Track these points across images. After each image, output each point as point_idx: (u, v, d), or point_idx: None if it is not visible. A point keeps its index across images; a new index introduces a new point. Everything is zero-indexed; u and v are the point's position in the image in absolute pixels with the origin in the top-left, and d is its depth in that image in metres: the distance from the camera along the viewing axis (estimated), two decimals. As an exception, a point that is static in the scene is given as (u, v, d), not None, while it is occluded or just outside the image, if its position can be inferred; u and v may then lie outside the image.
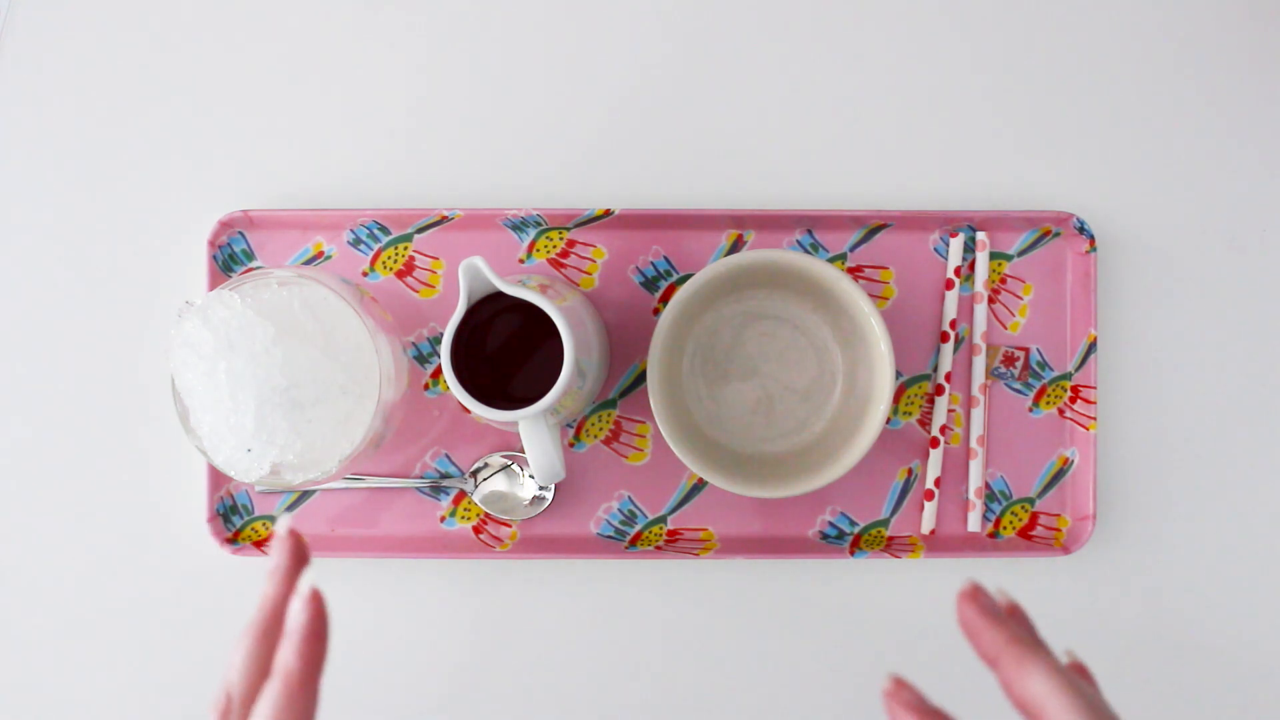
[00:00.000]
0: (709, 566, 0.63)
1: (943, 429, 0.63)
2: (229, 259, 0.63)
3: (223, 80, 0.65)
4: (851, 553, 0.62)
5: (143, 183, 0.65)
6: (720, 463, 0.58)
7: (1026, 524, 0.63)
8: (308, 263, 0.64)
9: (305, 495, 0.64)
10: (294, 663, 0.37)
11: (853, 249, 0.63)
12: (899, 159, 0.64)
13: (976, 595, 0.38)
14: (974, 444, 0.63)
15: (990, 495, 0.63)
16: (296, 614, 0.38)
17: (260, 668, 0.38)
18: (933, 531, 0.63)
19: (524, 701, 0.64)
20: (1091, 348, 0.62)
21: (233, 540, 0.63)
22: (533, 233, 0.63)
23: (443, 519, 0.63)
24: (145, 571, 0.64)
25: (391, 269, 0.63)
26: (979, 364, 0.63)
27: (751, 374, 0.62)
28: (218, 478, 0.63)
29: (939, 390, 0.63)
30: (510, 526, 0.63)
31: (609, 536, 0.63)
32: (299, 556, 0.40)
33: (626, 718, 0.64)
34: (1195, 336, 0.64)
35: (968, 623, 0.38)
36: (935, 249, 0.63)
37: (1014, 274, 0.63)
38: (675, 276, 0.63)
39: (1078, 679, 0.36)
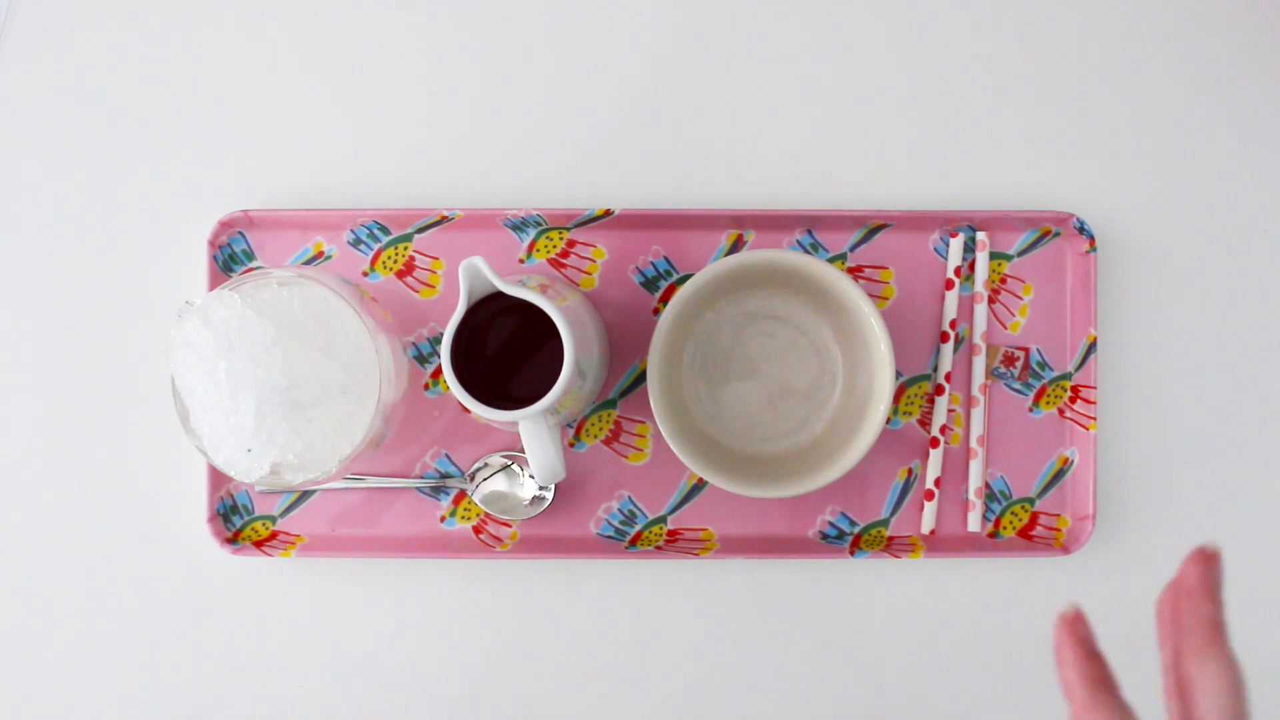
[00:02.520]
0: (709, 566, 0.63)
1: (943, 429, 0.63)
2: (229, 259, 0.63)
3: (223, 80, 0.65)
4: (851, 553, 0.62)
5: (143, 182, 0.64)
6: (720, 463, 0.58)
7: (1026, 524, 0.63)
8: (308, 263, 0.64)
9: (305, 495, 0.64)
10: None
11: (853, 249, 0.63)
12: (899, 159, 0.64)
13: (1076, 624, 0.36)
14: (974, 444, 0.63)
15: (990, 495, 0.63)
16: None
17: None
18: (933, 531, 0.63)
19: (524, 701, 0.64)
20: (1091, 348, 0.62)
21: (233, 540, 0.63)
22: (533, 233, 0.63)
23: (443, 519, 0.63)
24: (145, 572, 0.64)
25: (391, 269, 0.63)
26: (979, 364, 0.63)
27: (751, 374, 0.62)
28: (218, 478, 0.63)
29: (939, 390, 0.63)
30: (510, 526, 0.63)
31: (609, 536, 0.63)
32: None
33: (626, 717, 0.64)
34: (1195, 336, 0.64)
35: (1057, 648, 0.36)
36: (935, 249, 0.63)
37: (1014, 274, 0.63)
38: (675, 276, 0.63)
39: None
